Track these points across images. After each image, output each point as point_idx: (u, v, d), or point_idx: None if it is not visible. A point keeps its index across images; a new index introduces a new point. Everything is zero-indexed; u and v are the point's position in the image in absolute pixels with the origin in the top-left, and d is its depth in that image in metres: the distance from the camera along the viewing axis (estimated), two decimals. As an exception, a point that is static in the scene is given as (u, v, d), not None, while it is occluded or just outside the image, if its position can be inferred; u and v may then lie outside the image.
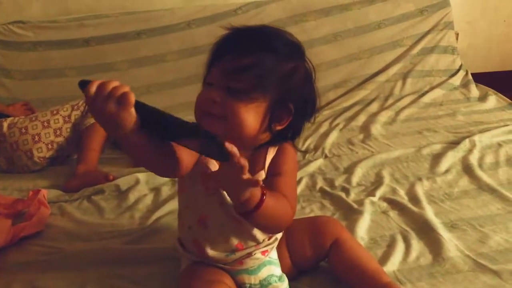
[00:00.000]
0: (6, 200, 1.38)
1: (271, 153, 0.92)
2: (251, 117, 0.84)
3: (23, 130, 1.65)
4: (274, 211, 0.81)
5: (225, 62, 0.84)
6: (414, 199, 1.34)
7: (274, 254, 0.98)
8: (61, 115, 1.70)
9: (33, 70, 2.09)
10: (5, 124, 1.67)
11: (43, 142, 1.66)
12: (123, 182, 1.49)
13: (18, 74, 2.08)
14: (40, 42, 2.10)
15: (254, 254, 0.93)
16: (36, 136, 1.65)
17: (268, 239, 0.96)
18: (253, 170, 0.90)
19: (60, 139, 1.69)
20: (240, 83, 0.83)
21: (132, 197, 1.43)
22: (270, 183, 0.88)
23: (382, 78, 2.21)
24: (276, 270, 0.96)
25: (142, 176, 1.51)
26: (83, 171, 1.57)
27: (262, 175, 0.91)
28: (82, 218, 1.34)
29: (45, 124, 1.67)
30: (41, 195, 1.38)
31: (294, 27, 2.20)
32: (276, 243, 0.98)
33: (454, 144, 1.65)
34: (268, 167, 0.91)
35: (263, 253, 0.95)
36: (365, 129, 1.87)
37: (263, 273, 0.94)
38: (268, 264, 0.95)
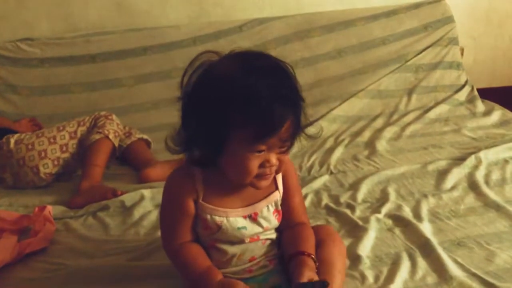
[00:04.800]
0: (12, 216, 1.38)
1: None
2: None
3: (30, 146, 1.66)
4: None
5: (282, 132, 0.84)
6: (420, 216, 1.33)
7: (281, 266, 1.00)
8: (67, 131, 1.71)
9: (40, 86, 2.11)
10: (12, 140, 1.68)
11: (49, 158, 1.67)
12: (128, 198, 1.49)
13: (25, 90, 2.10)
14: (47, 58, 2.12)
15: (261, 261, 0.99)
16: (42, 152, 1.66)
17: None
18: (267, 192, 0.96)
19: (66, 155, 1.69)
20: (289, 142, 0.88)
21: (137, 213, 1.43)
22: (288, 204, 0.99)
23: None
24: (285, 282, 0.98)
25: (147, 192, 1.51)
26: (87, 187, 1.57)
27: (276, 195, 0.98)
28: (87, 235, 1.34)
29: (52, 140, 1.68)
30: (46, 211, 1.38)
31: (299, 43, 2.22)
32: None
33: (460, 160, 1.64)
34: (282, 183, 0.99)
35: (270, 262, 0.99)
36: (370, 145, 1.87)
37: (270, 283, 0.97)
38: (275, 274, 0.98)
